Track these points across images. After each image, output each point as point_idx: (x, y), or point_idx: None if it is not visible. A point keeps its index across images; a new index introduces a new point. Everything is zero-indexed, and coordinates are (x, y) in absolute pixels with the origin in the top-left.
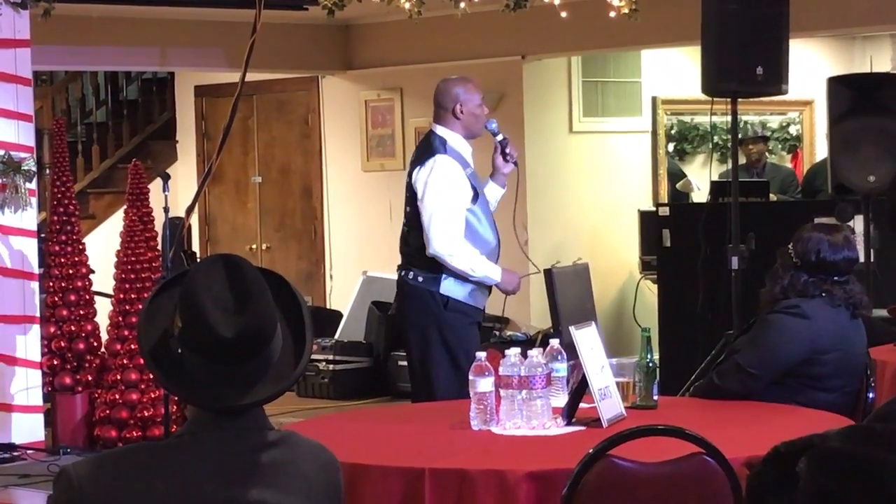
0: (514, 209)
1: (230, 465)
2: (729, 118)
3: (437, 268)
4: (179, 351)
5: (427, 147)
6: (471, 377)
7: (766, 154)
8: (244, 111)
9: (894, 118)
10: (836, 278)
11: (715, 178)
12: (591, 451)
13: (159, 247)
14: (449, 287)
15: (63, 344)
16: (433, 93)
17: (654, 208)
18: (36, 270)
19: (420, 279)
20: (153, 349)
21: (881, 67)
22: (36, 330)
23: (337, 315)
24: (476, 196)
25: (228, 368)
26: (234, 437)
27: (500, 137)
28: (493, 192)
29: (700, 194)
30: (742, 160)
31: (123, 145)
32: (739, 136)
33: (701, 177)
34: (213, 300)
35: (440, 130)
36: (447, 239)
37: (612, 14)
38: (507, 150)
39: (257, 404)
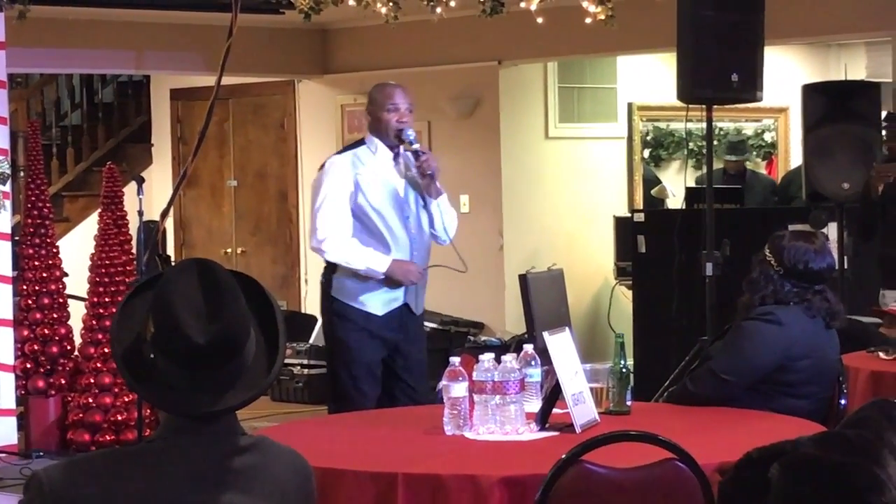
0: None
1: (202, 471)
2: (704, 125)
3: (333, 268)
4: (152, 356)
5: (337, 152)
6: (444, 382)
7: (745, 163)
8: (220, 115)
9: (868, 126)
10: (816, 287)
11: (691, 184)
12: (564, 456)
13: (133, 250)
14: (339, 288)
15: (36, 347)
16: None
17: (629, 214)
18: (9, 273)
19: (323, 280)
20: (126, 354)
21: (855, 75)
22: (9, 333)
23: (311, 319)
24: (357, 195)
25: (201, 374)
26: (206, 443)
27: (415, 147)
28: (431, 203)
29: (675, 200)
30: (719, 165)
31: (98, 148)
32: (728, 144)
33: (676, 183)
34: (185, 306)
35: (367, 135)
36: (320, 233)
37: (589, 20)
38: (421, 162)
39: (230, 411)
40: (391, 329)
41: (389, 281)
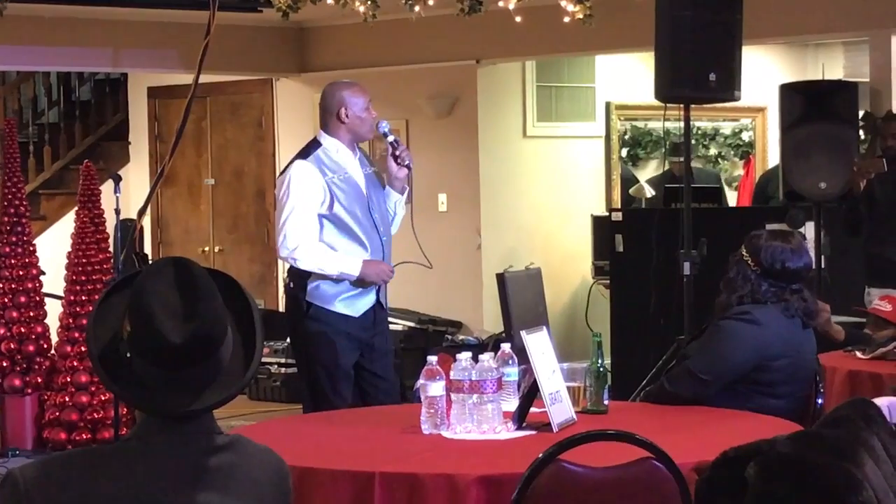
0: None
1: (178, 470)
2: (682, 124)
3: (307, 274)
4: (128, 355)
5: (296, 155)
6: (421, 381)
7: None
8: (197, 113)
9: (846, 125)
10: (793, 286)
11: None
12: (541, 455)
13: (111, 249)
14: (314, 293)
15: (13, 345)
16: (324, 98)
17: (607, 213)
18: None
19: (292, 285)
20: (102, 353)
21: (833, 75)
22: None
23: None
24: (332, 202)
25: (177, 374)
26: (182, 442)
27: (391, 139)
28: (391, 197)
29: (653, 200)
30: (668, 166)
31: (75, 146)
32: (670, 145)
33: (653, 181)
34: (161, 305)
35: (321, 136)
36: (290, 242)
37: (567, 19)
38: (398, 153)
39: (206, 410)
40: (365, 328)
41: (361, 281)
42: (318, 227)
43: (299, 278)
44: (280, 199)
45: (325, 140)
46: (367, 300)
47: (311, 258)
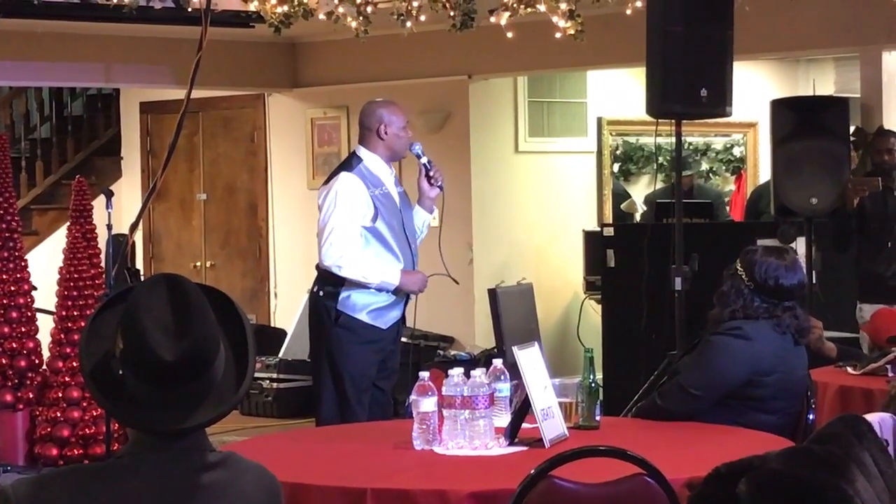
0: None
1: (171, 487)
2: (674, 139)
3: (339, 282)
4: (121, 372)
5: (340, 167)
6: (413, 397)
7: (694, 178)
8: (190, 128)
9: (837, 141)
10: (786, 303)
11: (659, 199)
12: (532, 471)
13: (102, 264)
14: (346, 303)
15: (4, 361)
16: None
17: (598, 228)
18: None
19: (321, 293)
20: (94, 370)
21: (824, 90)
22: None
23: (281, 333)
24: (376, 215)
25: (170, 391)
26: (174, 459)
27: (424, 160)
28: (420, 216)
29: (645, 215)
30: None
31: (68, 161)
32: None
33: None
34: (154, 322)
35: (361, 151)
36: (335, 250)
37: (558, 35)
38: (432, 174)
39: (199, 427)
40: (389, 342)
41: (396, 292)
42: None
43: (329, 286)
44: (326, 209)
45: (365, 154)
46: (395, 313)
47: (356, 267)
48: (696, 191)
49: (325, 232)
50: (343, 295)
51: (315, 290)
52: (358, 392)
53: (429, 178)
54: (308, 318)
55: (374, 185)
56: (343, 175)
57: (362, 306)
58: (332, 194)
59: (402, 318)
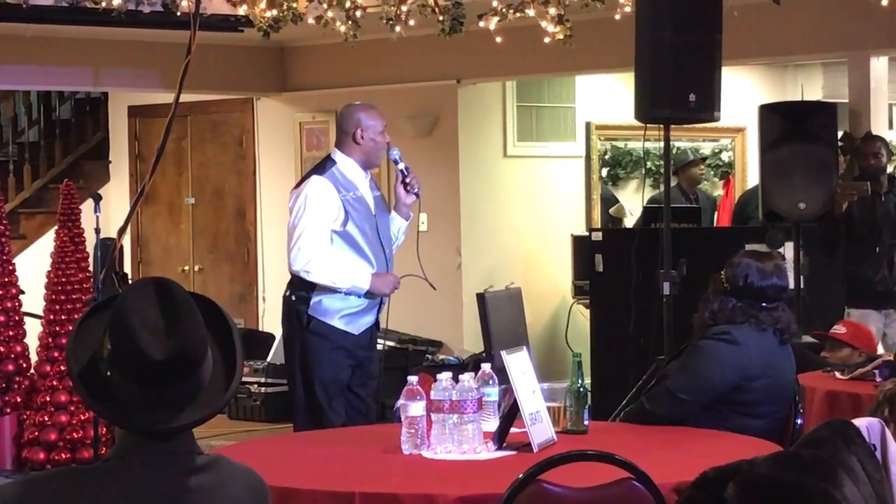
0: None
1: (158, 490)
2: (662, 144)
3: (310, 287)
4: (108, 373)
5: (312, 170)
6: (402, 401)
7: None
8: (178, 132)
9: (825, 146)
10: (763, 304)
11: (647, 201)
12: (521, 475)
13: (90, 268)
14: (318, 308)
15: None
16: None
17: (587, 233)
18: None
19: (293, 298)
20: (82, 372)
21: (812, 96)
22: None
23: (269, 337)
24: (347, 220)
25: (158, 391)
26: (162, 462)
27: (401, 166)
28: (396, 223)
29: (633, 219)
30: (674, 182)
31: (56, 165)
32: (682, 159)
33: (634, 202)
34: (142, 322)
35: (336, 154)
36: (304, 254)
37: (547, 40)
38: (409, 180)
39: (187, 428)
40: (362, 347)
41: (367, 296)
42: (329, 242)
43: (302, 291)
44: (295, 213)
45: (340, 158)
46: (368, 318)
47: (324, 272)
48: (701, 197)
49: (293, 236)
50: (314, 300)
51: (287, 294)
52: (329, 398)
53: (405, 184)
54: (281, 323)
55: (347, 188)
56: (313, 179)
57: (334, 311)
58: (301, 198)
59: (376, 323)
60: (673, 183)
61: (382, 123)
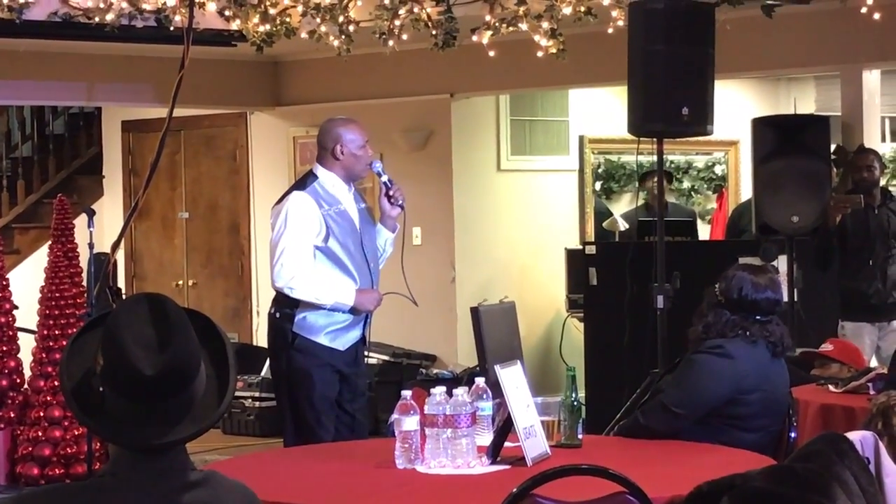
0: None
1: None
2: (655, 157)
3: (294, 304)
4: (101, 389)
5: (293, 186)
6: (396, 415)
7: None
8: (172, 146)
9: (818, 159)
10: (757, 317)
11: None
12: (515, 490)
13: (84, 283)
14: (301, 324)
15: None
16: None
17: (580, 247)
18: None
19: (278, 315)
20: (75, 388)
21: (805, 109)
22: None
23: (263, 352)
24: (328, 235)
25: (150, 407)
26: (155, 478)
27: (384, 179)
28: (382, 235)
29: (626, 233)
30: (641, 201)
31: (49, 180)
32: (643, 171)
33: (627, 216)
34: (135, 338)
35: (318, 170)
36: (287, 271)
37: (540, 54)
38: (392, 192)
39: (180, 443)
40: (348, 363)
41: (352, 312)
42: (312, 258)
43: (286, 308)
44: (277, 229)
45: (321, 173)
46: (354, 334)
47: (308, 288)
48: (670, 208)
49: (276, 252)
50: (299, 316)
51: (272, 311)
52: (317, 414)
53: (389, 196)
54: (266, 340)
55: (329, 203)
56: (294, 194)
57: (319, 328)
58: (282, 214)
59: (363, 339)
60: (641, 200)
61: (363, 138)
